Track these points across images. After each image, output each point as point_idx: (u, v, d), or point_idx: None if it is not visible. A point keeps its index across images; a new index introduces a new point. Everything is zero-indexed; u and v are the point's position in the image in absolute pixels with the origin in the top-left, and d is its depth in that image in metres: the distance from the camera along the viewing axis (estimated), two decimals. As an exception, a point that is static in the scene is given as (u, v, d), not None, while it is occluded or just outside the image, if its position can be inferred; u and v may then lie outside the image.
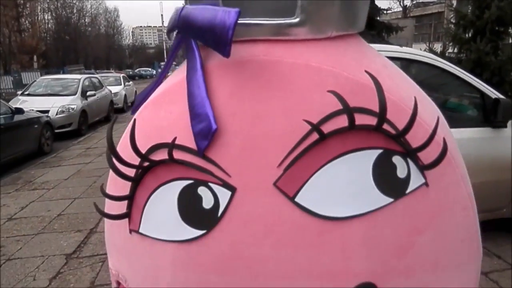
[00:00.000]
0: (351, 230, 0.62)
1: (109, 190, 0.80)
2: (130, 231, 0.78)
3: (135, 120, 0.72)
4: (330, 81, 0.64)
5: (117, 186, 0.78)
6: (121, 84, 13.82)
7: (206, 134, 0.65)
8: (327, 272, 0.62)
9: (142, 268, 0.77)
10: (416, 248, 0.64)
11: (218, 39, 0.63)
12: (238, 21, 0.61)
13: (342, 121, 0.61)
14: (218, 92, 0.68)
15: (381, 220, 0.62)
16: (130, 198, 0.76)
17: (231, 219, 0.65)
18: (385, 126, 0.61)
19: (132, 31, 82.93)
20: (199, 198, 0.67)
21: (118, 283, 0.90)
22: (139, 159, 0.70)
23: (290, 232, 0.63)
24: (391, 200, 0.62)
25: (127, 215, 0.77)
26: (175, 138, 0.66)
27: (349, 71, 0.65)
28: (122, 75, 15.53)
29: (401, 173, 0.63)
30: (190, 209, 0.68)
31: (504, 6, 5.33)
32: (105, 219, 0.94)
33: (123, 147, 0.75)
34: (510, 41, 5.95)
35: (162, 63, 28.30)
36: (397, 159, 0.63)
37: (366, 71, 0.62)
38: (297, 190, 0.62)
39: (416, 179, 0.63)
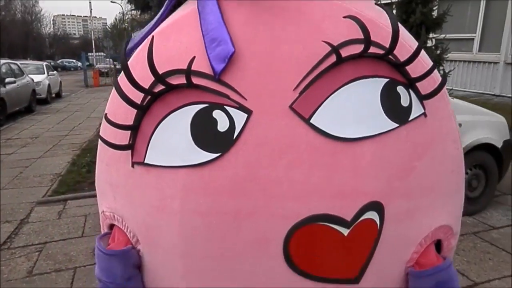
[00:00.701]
0: (361, 150, 0.67)
1: (108, 120, 0.77)
2: (133, 164, 0.76)
3: (151, 44, 0.68)
4: (341, 13, 0.69)
5: (117, 117, 0.76)
6: (44, 73, 12.73)
7: (223, 57, 0.67)
8: (339, 192, 0.67)
9: (145, 201, 0.76)
10: (416, 173, 0.72)
11: None
12: None
13: (355, 49, 0.66)
14: (232, 20, 0.70)
15: (387, 143, 0.69)
16: (135, 128, 0.74)
17: (247, 141, 0.67)
18: (391, 57, 0.68)
19: (53, 19, 76.78)
20: (214, 122, 0.68)
21: (111, 226, 0.87)
22: (151, 82, 0.70)
23: (305, 153, 0.67)
24: (396, 125, 0.69)
25: (130, 146, 0.75)
26: (192, 62, 0.66)
27: (358, 8, 0.71)
28: (45, 63, 14.31)
29: (404, 102, 0.70)
30: (204, 132, 0.69)
31: (426, 12, 5.89)
32: (97, 163, 0.91)
33: (124, 84, 0.73)
34: (431, 44, 6.58)
35: (91, 54, 26.61)
36: (401, 89, 0.70)
37: (378, 4, 0.68)
38: (312, 112, 0.66)
39: (416, 109, 0.71)
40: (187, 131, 0.69)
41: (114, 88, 0.78)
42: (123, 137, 0.76)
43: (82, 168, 5.00)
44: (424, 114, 0.72)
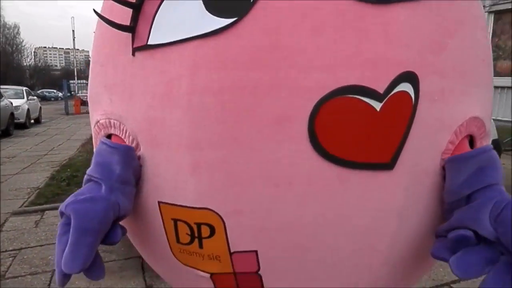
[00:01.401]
0: (392, 15, 0.61)
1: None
2: (134, 52, 0.67)
3: None
4: None
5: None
6: (23, 98, 12.46)
7: None
8: (370, 60, 0.60)
9: (147, 91, 0.67)
10: (448, 50, 0.66)
11: None
12: None
13: None
14: None
15: (419, 11, 0.63)
16: (138, 7, 0.65)
17: (266, 3, 0.59)
18: None
19: (34, 51, 76.45)
20: None
21: (109, 136, 0.76)
22: None
23: (331, 16, 0.61)
24: None
25: (132, 28, 0.66)
26: None
27: None
28: (25, 88, 14.03)
29: None
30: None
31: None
32: (91, 69, 0.82)
33: None
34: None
35: (72, 81, 26.38)
36: None
37: None
38: None
39: None
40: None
41: None
42: (123, 19, 0.67)
43: (61, 181, 4.78)
44: None
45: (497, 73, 10.52)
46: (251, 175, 0.62)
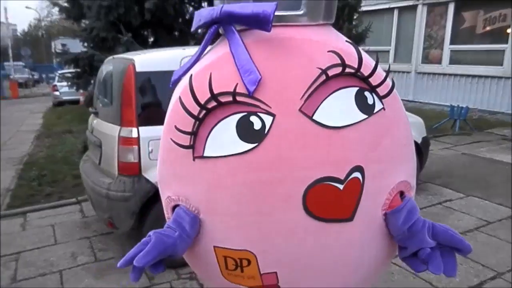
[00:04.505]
0: (346, 134, 1.06)
1: (176, 128, 1.13)
2: (194, 158, 1.13)
3: (210, 77, 1.05)
4: (325, 48, 1.11)
5: (181, 124, 1.11)
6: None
7: (254, 81, 1.04)
8: (335, 161, 1.07)
9: (204, 182, 1.12)
10: (382, 147, 1.13)
11: (261, 22, 1.03)
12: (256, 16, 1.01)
13: (336, 70, 1.08)
14: (255, 57, 1.08)
15: (361, 128, 1.09)
16: (194, 133, 1.11)
17: (273, 134, 1.05)
18: (360, 73, 1.11)
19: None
20: (252, 123, 1.03)
21: (173, 208, 1.21)
22: (198, 108, 1.05)
23: (310, 139, 1.05)
24: (366, 116, 1.08)
25: (192, 146, 1.11)
26: (236, 86, 1.05)
27: (334, 43, 1.14)
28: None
29: (369, 101, 1.10)
30: (246, 131, 1.04)
31: (352, 28, 6.75)
32: (159, 163, 1.24)
33: (188, 102, 1.10)
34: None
35: (7, 63, 24.57)
36: (367, 93, 1.10)
37: (346, 41, 1.13)
38: (313, 112, 1.04)
39: (378, 105, 1.12)
40: (233, 131, 1.05)
41: (179, 104, 1.14)
42: (185, 140, 1.12)
43: (32, 182, 4.93)
44: (383, 108, 1.14)
45: (429, 61, 11.67)
46: (271, 231, 1.10)
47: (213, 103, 1.06)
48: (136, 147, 2.52)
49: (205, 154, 1.08)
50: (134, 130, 2.52)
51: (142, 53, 2.90)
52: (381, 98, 1.10)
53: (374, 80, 1.09)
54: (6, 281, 2.66)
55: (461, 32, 10.60)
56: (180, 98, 1.14)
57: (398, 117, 1.17)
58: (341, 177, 1.03)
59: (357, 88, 1.07)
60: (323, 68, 1.02)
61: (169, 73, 2.64)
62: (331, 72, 1.02)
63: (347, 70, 1.04)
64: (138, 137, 2.52)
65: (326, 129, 1.03)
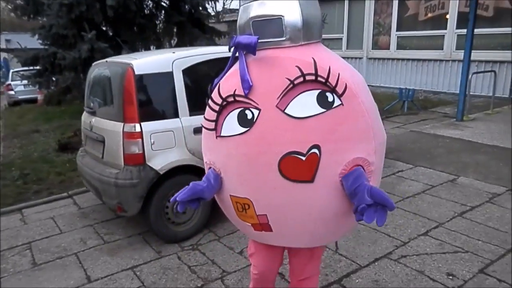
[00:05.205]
0: (307, 122, 1.53)
1: (205, 118, 1.64)
2: (216, 137, 1.62)
3: (219, 85, 1.59)
4: (297, 62, 1.56)
5: (208, 116, 1.62)
6: None
7: (248, 87, 1.52)
8: (300, 140, 1.53)
9: (222, 153, 1.63)
10: (338, 132, 1.58)
11: (250, 48, 1.53)
12: (259, 40, 1.52)
13: (300, 79, 1.53)
14: (251, 70, 1.55)
15: (320, 118, 1.54)
16: (216, 121, 1.60)
17: (259, 122, 1.53)
18: (320, 78, 1.57)
19: None
20: (246, 114, 1.53)
21: (209, 167, 1.70)
22: (221, 100, 1.57)
23: (283, 125, 1.52)
24: (324, 110, 1.53)
25: (215, 128, 1.61)
26: (235, 90, 1.54)
27: (305, 58, 1.58)
28: None
29: (330, 99, 1.54)
30: (242, 119, 1.54)
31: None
32: (202, 139, 1.72)
33: (213, 96, 1.60)
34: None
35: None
36: (328, 94, 1.56)
37: (312, 58, 1.57)
38: (285, 107, 1.51)
39: (337, 102, 1.57)
40: (236, 120, 1.53)
41: (208, 103, 1.61)
42: (211, 124, 1.60)
43: (16, 181, 5.10)
44: (342, 104, 1.62)
45: (378, 47, 12.54)
46: (259, 186, 1.55)
47: (224, 102, 1.58)
48: (140, 140, 2.91)
49: (221, 134, 1.62)
50: (137, 125, 2.91)
51: (136, 57, 3.23)
52: (339, 96, 1.51)
53: (333, 81, 1.50)
54: (27, 266, 2.98)
55: (406, 20, 11.51)
56: (209, 99, 1.63)
57: (357, 110, 1.55)
58: (303, 152, 1.51)
59: (319, 90, 1.51)
60: (291, 79, 1.51)
61: (162, 74, 3.16)
62: (296, 81, 1.51)
63: (308, 78, 1.50)
64: (141, 131, 2.91)
65: (293, 119, 1.51)
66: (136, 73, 2.92)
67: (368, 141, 1.59)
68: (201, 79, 3.24)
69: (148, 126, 2.94)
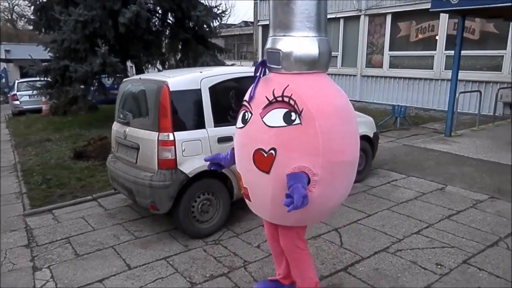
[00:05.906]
0: (274, 131, 2.06)
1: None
2: (236, 128, 2.23)
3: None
4: (276, 86, 2.11)
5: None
6: None
7: (250, 98, 2.17)
8: (265, 142, 2.07)
9: (235, 140, 2.28)
10: (292, 143, 2.07)
11: (263, 71, 2.19)
12: (268, 65, 2.18)
13: (273, 98, 2.09)
14: (259, 85, 2.18)
15: (282, 130, 2.05)
16: (235, 117, 2.19)
17: (249, 122, 2.15)
18: (290, 100, 2.07)
19: None
20: (245, 115, 2.17)
21: (232, 148, 2.35)
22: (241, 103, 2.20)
23: (260, 128, 2.09)
24: (286, 125, 2.05)
25: (236, 121, 2.19)
26: (246, 98, 2.18)
27: (284, 84, 2.10)
28: None
29: (292, 118, 2.05)
30: (243, 118, 2.18)
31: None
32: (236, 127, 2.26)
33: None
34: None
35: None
36: (293, 113, 2.06)
37: (288, 84, 2.10)
38: (263, 117, 2.08)
39: (297, 121, 2.07)
40: (241, 118, 2.17)
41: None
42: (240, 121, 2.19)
43: (40, 185, 5.48)
44: (300, 123, 2.09)
45: (372, 65, 13.20)
46: (242, 167, 2.22)
47: (241, 104, 2.23)
48: (172, 147, 3.38)
49: (236, 127, 2.28)
50: (171, 134, 3.38)
51: (169, 75, 3.72)
52: (299, 115, 2.03)
53: (300, 107, 2.02)
54: (71, 256, 3.38)
55: (398, 40, 12.23)
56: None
57: (311, 131, 2.05)
58: (266, 150, 2.11)
59: (286, 110, 2.07)
60: (270, 98, 2.09)
61: (192, 91, 3.71)
62: (271, 99, 2.08)
63: (278, 99, 2.06)
64: (174, 140, 3.38)
65: (266, 126, 2.12)
66: (171, 89, 3.40)
67: (315, 157, 2.04)
68: (224, 95, 3.74)
69: (180, 135, 3.41)
